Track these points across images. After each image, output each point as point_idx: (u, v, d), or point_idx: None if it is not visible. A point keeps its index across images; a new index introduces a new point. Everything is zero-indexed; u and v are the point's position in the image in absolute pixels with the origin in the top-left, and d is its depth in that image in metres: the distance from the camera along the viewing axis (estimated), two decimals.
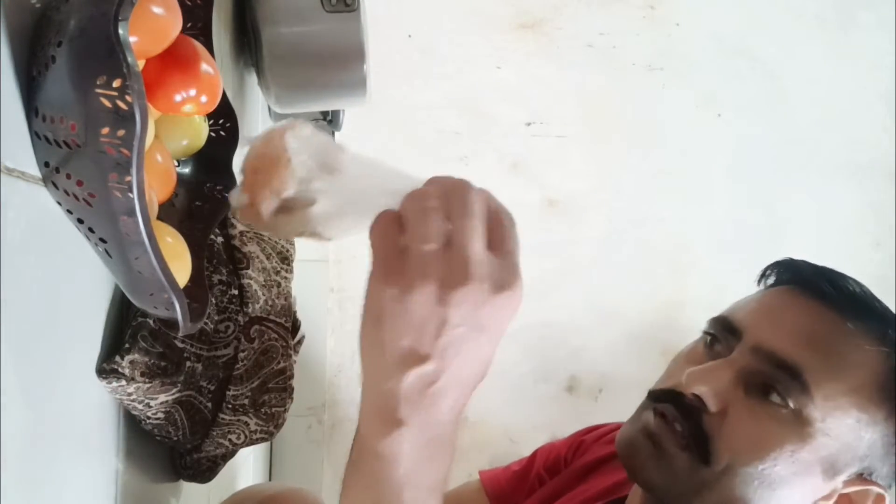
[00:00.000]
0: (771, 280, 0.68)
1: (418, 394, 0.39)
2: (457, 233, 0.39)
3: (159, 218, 0.50)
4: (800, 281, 0.63)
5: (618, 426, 0.85)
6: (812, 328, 0.60)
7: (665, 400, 0.62)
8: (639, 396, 0.66)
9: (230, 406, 0.63)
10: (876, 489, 0.59)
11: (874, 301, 0.62)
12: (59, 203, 0.42)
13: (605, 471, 0.78)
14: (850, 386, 0.58)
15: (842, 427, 0.58)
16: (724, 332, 0.63)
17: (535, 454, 0.89)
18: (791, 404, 0.58)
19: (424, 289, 0.37)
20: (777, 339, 0.59)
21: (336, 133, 1.24)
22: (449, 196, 0.40)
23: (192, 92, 0.48)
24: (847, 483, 0.59)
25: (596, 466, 0.80)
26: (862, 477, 0.59)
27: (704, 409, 0.59)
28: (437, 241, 0.38)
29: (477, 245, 0.38)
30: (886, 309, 0.62)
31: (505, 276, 0.39)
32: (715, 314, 0.66)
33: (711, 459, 0.59)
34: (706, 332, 0.65)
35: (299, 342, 0.71)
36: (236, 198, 0.43)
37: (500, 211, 0.42)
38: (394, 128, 1.57)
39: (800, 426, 0.58)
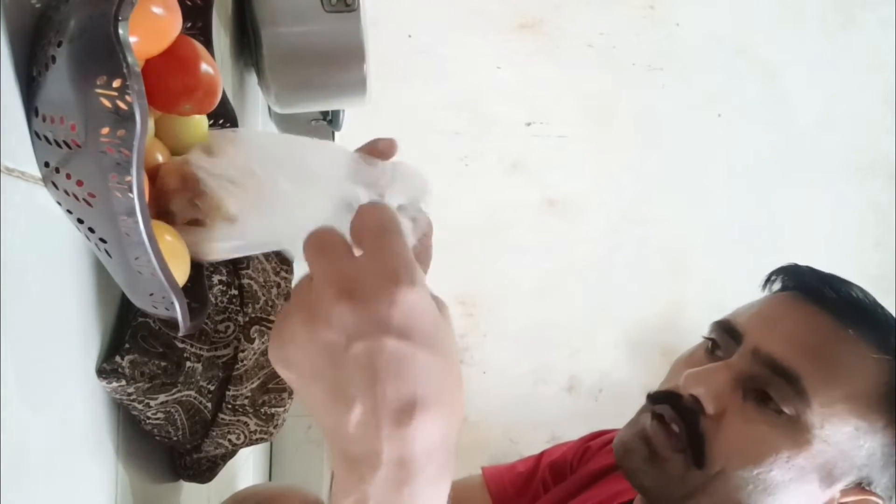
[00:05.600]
0: (776, 286, 0.67)
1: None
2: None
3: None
4: (803, 287, 0.63)
5: None
6: (811, 334, 0.59)
7: (663, 401, 0.62)
8: (639, 396, 0.66)
9: (230, 406, 0.63)
10: (874, 500, 0.59)
11: (877, 308, 0.62)
12: (59, 203, 0.42)
13: (611, 479, 0.77)
14: (849, 393, 0.57)
15: (840, 434, 0.57)
16: (725, 336, 0.63)
17: (540, 456, 0.88)
18: (787, 410, 0.57)
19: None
20: (775, 344, 0.59)
21: (336, 133, 1.24)
22: None
23: (192, 92, 0.48)
24: (845, 492, 0.59)
25: (601, 475, 0.79)
26: (861, 486, 0.59)
27: (702, 411, 0.59)
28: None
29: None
30: (889, 316, 0.62)
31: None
32: (717, 318, 0.66)
33: (705, 462, 0.59)
34: (707, 338, 0.65)
35: None
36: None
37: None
38: (394, 128, 1.56)
39: (797, 432, 0.57)
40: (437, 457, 0.33)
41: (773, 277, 0.68)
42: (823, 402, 0.57)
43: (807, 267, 0.65)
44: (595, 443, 0.85)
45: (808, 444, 0.57)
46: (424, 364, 0.32)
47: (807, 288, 0.62)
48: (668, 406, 0.61)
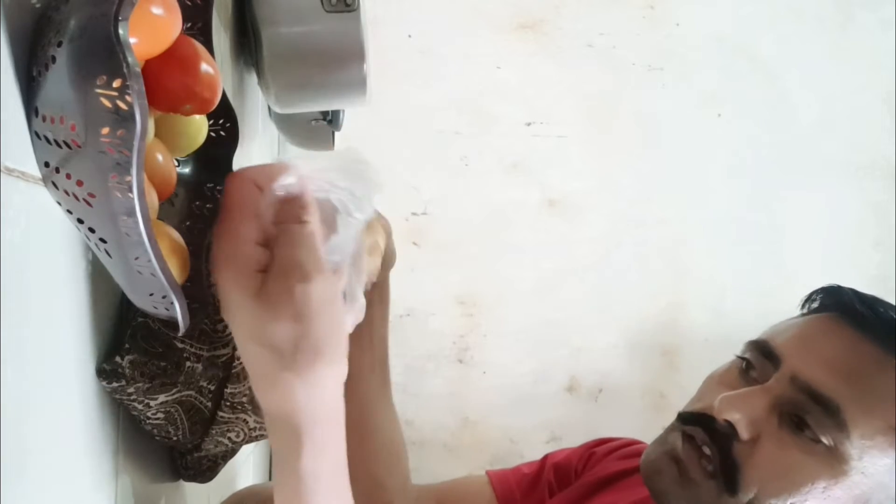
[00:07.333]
0: (815, 305, 0.65)
1: None
2: None
3: (159, 218, 0.50)
4: (843, 309, 0.61)
5: (630, 442, 0.84)
6: (853, 361, 0.57)
7: (694, 423, 0.60)
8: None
9: (228, 404, 0.63)
10: None
11: None
12: (59, 203, 0.42)
13: (618, 488, 0.76)
14: (890, 424, 0.56)
15: (878, 466, 0.56)
16: (760, 357, 0.61)
17: (544, 461, 0.86)
18: (825, 440, 0.56)
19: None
20: (815, 371, 0.57)
21: (336, 133, 1.24)
22: None
23: (193, 92, 0.48)
24: None
25: (608, 482, 0.78)
26: None
27: (735, 437, 0.58)
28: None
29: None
30: None
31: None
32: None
33: (738, 489, 0.57)
34: (741, 357, 0.63)
35: None
36: None
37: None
38: (394, 128, 1.57)
39: (835, 462, 0.56)
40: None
41: (812, 297, 0.65)
42: (864, 433, 0.55)
43: (849, 288, 0.63)
44: (600, 449, 0.84)
45: (844, 476, 0.56)
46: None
47: (847, 311, 0.60)
48: (700, 429, 0.59)
